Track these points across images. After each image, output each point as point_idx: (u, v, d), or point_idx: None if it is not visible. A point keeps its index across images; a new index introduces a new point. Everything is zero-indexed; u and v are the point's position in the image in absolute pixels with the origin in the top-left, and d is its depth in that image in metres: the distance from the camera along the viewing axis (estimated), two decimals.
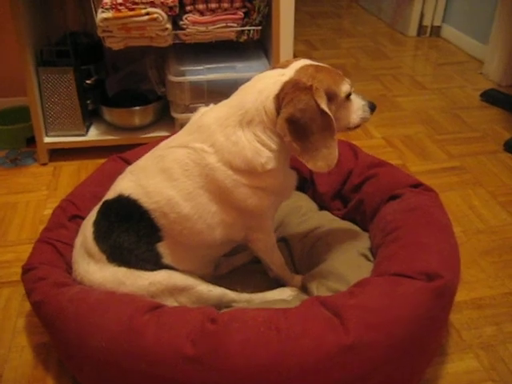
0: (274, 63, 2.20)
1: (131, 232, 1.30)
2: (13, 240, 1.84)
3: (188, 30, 2.08)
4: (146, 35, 2.04)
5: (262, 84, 1.25)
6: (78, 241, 1.40)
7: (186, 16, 2.06)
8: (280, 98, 1.21)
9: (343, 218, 1.71)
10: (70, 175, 2.22)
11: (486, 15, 3.19)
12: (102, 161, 1.84)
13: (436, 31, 3.79)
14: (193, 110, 1.38)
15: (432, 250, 1.29)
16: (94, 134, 2.35)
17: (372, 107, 1.35)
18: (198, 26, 2.08)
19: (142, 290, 1.28)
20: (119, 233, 1.30)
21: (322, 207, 1.79)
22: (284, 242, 1.66)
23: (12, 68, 2.44)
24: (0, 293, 1.61)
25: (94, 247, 1.32)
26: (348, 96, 1.29)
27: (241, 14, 2.11)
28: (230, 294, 1.41)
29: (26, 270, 1.40)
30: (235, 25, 2.12)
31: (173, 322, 1.14)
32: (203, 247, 1.34)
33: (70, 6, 2.48)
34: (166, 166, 1.28)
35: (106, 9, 1.95)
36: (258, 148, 1.23)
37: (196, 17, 2.07)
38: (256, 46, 2.41)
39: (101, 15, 1.95)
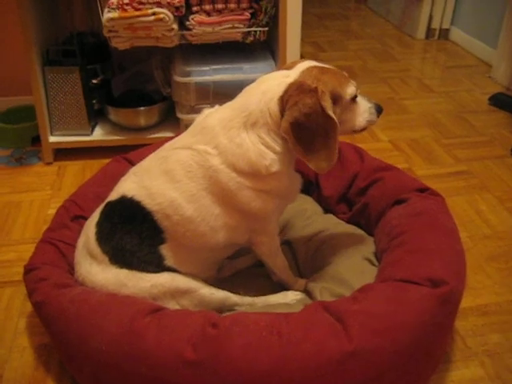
0: (281, 65, 2.19)
1: (134, 234, 1.29)
2: (16, 239, 1.84)
3: (194, 30, 2.07)
4: (152, 35, 2.03)
5: (266, 86, 1.24)
6: (81, 241, 1.40)
7: (192, 16, 2.05)
8: (284, 100, 1.20)
9: (348, 221, 1.69)
10: (75, 175, 2.22)
11: (494, 18, 3.17)
12: (107, 161, 1.84)
13: (444, 34, 3.77)
14: (198, 111, 1.37)
15: (437, 256, 1.28)
16: (99, 134, 2.35)
17: (379, 110, 1.34)
18: (204, 26, 2.07)
19: (143, 292, 1.27)
20: (122, 234, 1.29)
21: (326, 210, 1.77)
22: (288, 245, 1.65)
23: (18, 67, 2.44)
24: (2, 292, 1.60)
25: (96, 248, 1.31)
26: (354, 98, 1.28)
27: (247, 14, 2.10)
28: (233, 298, 1.39)
29: (28, 270, 1.40)
30: (242, 26, 2.11)
31: (174, 325, 1.13)
32: (206, 250, 1.33)
33: (77, 6, 2.48)
34: (169, 168, 1.27)
35: (113, 8, 1.94)
36: (262, 150, 1.22)
37: (202, 17, 2.06)
38: (263, 47, 2.40)
39: (107, 15, 1.94)
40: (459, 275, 1.27)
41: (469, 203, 2.01)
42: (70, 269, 1.42)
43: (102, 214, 1.35)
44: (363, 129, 1.34)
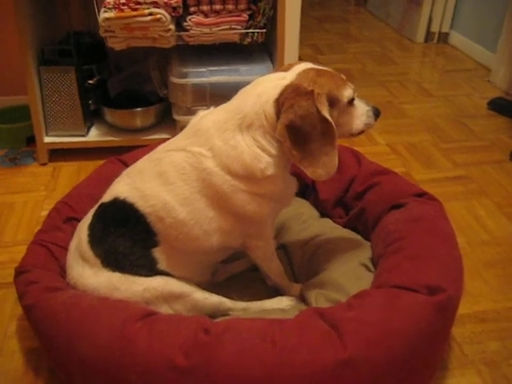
0: (279, 67, 2.18)
1: (127, 236, 1.27)
2: (8, 240, 1.82)
3: (192, 31, 2.06)
4: (149, 36, 2.01)
5: (262, 88, 1.23)
6: (73, 243, 1.38)
7: (189, 17, 2.04)
8: (280, 103, 1.18)
9: (345, 226, 1.68)
10: (70, 176, 2.20)
11: (494, 23, 3.16)
12: (103, 162, 1.81)
13: (444, 38, 3.76)
14: (195, 113, 1.35)
15: (435, 263, 1.26)
16: (94, 135, 2.33)
17: (376, 113, 1.32)
18: (201, 27, 2.05)
19: (136, 296, 1.25)
20: (114, 237, 1.27)
21: (323, 214, 1.75)
22: (283, 249, 1.63)
23: (13, 66, 2.43)
24: None
25: (88, 251, 1.29)
26: (351, 101, 1.26)
27: (245, 16, 2.08)
28: (227, 303, 1.37)
29: (19, 272, 1.37)
30: (239, 27, 2.09)
31: (166, 330, 1.11)
32: (199, 253, 1.31)
33: (74, 5, 2.47)
34: (163, 170, 1.25)
35: (109, 8, 1.92)
36: (258, 153, 1.20)
37: (200, 18, 2.04)
38: (260, 49, 2.38)
39: (103, 15, 1.93)
40: (457, 282, 1.25)
41: (467, 208, 1.99)
42: (62, 271, 1.40)
43: (95, 215, 1.34)
44: (361, 132, 1.32)
